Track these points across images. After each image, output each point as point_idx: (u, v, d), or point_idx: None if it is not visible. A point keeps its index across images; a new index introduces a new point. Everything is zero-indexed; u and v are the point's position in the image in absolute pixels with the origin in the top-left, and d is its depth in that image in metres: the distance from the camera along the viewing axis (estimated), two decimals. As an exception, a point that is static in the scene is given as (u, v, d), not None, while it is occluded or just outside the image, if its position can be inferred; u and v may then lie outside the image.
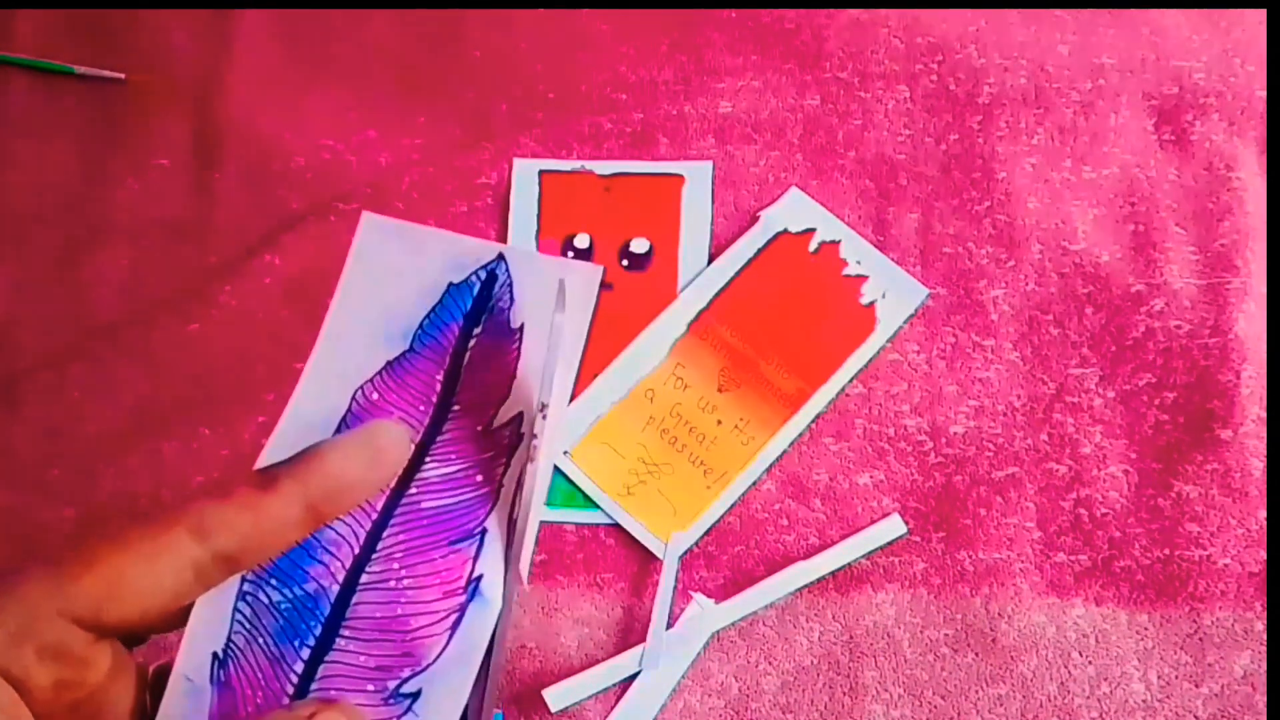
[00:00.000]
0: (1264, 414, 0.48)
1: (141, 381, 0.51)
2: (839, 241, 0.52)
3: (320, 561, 0.28)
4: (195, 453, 0.50)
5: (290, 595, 0.28)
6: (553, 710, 0.46)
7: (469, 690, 0.27)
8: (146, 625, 0.25)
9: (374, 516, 0.29)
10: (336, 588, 0.28)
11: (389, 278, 0.32)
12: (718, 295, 0.51)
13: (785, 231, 0.52)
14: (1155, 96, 0.53)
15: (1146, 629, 0.46)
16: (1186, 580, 0.47)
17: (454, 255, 0.31)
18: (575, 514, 0.49)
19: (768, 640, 0.47)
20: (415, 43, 0.56)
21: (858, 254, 0.52)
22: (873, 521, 0.48)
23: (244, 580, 0.27)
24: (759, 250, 0.52)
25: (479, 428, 0.30)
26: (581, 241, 0.52)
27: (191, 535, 0.25)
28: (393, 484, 0.29)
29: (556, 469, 0.49)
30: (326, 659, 0.28)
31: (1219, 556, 0.47)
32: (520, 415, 0.30)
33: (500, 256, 0.31)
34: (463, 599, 0.28)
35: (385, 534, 0.29)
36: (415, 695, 0.27)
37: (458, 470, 0.30)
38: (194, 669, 0.27)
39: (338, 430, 0.30)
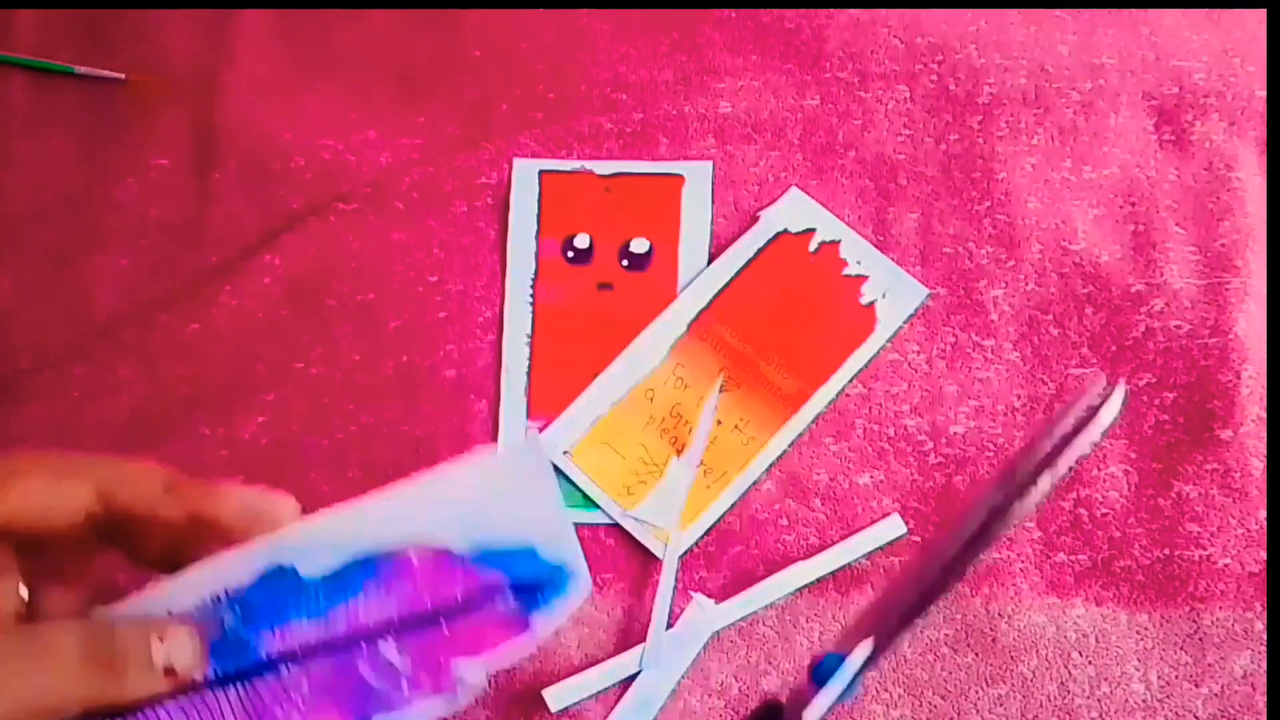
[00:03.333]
0: (1264, 414, 0.48)
1: (141, 381, 0.51)
2: (839, 241, 0.52)
3: None
4: (195, 453, 0.50)
5: None
6: (553, 710, 0.46)
7: None
8: (45, 537, 0.29)
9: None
10: None
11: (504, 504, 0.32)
12: (718, 295, 0.51)
13: (785, 231, 0.52)
14: (1155, 96, 0.53)
15: (1146, 629, 0.46)
16: (1186, 580, 0.47)
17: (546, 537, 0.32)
18: (575, 514, 0.49)
19: (768, 640, 0.47)
20: (415, 43, 0.56)
21: (858, 254, 0.52)
22: (873, 521, 0.48)
23: None
24: (759, 250, 0.52)
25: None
26: (581, 241, 0.52)
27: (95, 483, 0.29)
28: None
29: (556, 469, 0.49)
30: None
31: (1219, 556, 0.47)
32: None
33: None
34: None
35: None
36: None
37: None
38: None
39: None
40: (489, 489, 0.32)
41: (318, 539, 0.31)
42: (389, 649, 0.31)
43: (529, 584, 0.31)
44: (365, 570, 0.31)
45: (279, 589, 0.31)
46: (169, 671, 0.29)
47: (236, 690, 0.31)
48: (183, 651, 0.29)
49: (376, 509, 0.31)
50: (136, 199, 0.54)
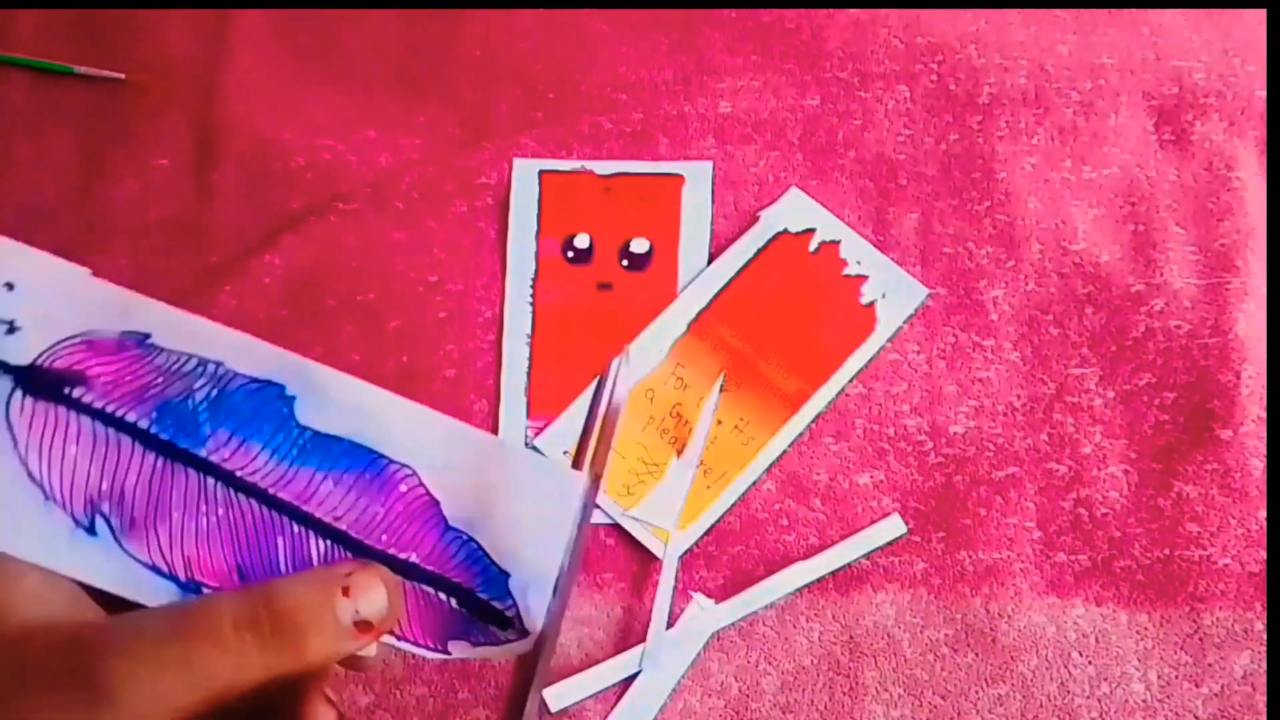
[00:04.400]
0: (1264, 414, 0.48)
1: (141, 381, 0.51)
2: (839, 241, 0.52)
3: None
4: (195, 453, 0.50)
5: None
6: (553, 710, 0.46)
7: None
8: None
9: None
10: None
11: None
12: (718, 295, 0.51)
13: (785, 231, 0.52)
14: (1155, 96, 0.53)
15: (1146, 629, 0.46)
16: (1186, 580, 0.47)
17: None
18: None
19: (768, 640, 0.47)
20: (415, 43, 0.56)
21: (858, 254, 0.52)
22: (873, 521, 0.48)
23: None
24: (759, 250, 0.52)
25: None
26: (581, 241, 0.52)
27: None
28: None
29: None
30: None
31: (1219, 556, 0.47)
32: None
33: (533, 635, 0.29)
34: None
35: None
36: None
37: None
38: None
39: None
40: (513, 479, 0.28)
41: (336, 393, 0.28)
42: (315, 550, 0.28)
43: (480, 606, 0.28)
44: (353, 458, 0.28)
45: (265, 407, 0.27)
46: (362, 626, 0.26)
47: (155, 460, 0.27)
48: (374, 601, 0.26)
49: (410, 411, 0.28)
50: (136, 199, 0.54)
